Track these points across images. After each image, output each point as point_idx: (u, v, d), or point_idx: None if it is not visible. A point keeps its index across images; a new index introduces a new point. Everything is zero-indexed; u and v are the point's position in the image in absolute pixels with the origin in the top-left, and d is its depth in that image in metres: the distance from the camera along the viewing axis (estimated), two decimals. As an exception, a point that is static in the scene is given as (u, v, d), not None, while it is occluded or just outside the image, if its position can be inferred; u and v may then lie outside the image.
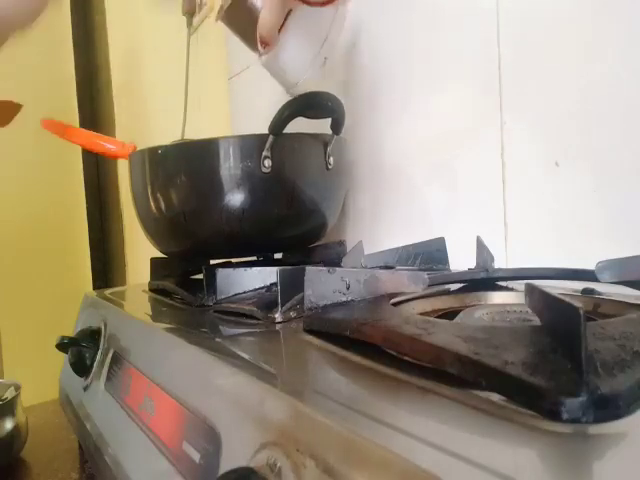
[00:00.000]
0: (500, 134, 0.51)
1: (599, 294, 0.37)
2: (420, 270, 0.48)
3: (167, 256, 0.62)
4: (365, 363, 0.27)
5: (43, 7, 0.43)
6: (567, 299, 0.21)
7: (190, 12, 1.12)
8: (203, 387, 0.30)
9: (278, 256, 0.61)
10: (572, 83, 0.45)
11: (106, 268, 1.81)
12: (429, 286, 0.37)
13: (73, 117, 1.56)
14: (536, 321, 0.27)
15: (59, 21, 1.71)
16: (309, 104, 0.51)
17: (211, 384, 0.30)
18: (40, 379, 0.94)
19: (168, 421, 0.33)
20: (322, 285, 0.34)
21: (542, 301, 0.25)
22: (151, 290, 0.62)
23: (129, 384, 0.41)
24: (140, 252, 1.47)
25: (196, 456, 0.28)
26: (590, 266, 0.35)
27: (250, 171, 0.50)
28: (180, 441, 0.30)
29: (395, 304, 0.36)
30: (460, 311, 0.34)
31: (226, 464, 0.25)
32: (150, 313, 0.54)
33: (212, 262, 0.59)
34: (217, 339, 0.38)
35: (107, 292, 0.64)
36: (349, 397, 0.24)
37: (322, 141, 0.55)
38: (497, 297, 0.40)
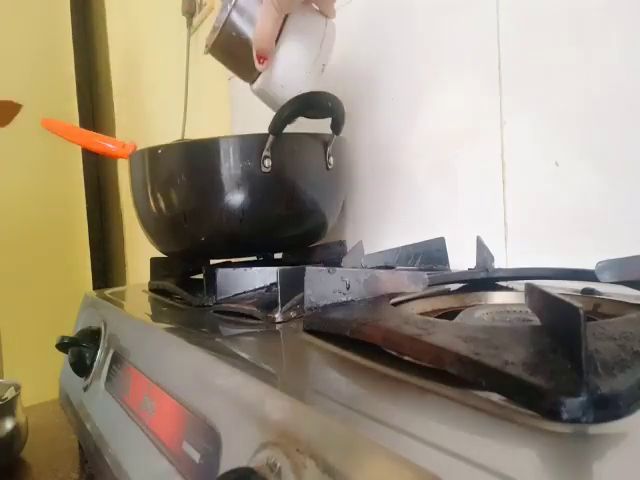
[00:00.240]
0: (500, 134, 0.51)
1: (599, 294, 0.37)
2: (420, 270, 0.48)
3: (167, 256, 0.62)
4: (365, 363, 0.27)
5: None
6: (567, 299, 0.21)
7: (190, 12, 1.12)
8: (203, 387, 0.30)
9: (278, 256, 0.61)
10: (572, 83, 0.45)
11: (106, 268, 1.81)
12: (429, 286, 0.37)
13: (73, 117, 1.56)
14: (536, 321, 0.27)
15: (59, 21, 1.71)
16: (309, 104, 0.51)
17: (211, 384, 0.30)
18: (40, 379, 0.94)
19: (168, 421, 0.33)
20: (322, 285, 0.34)
21: (542, 301, 0.25)
22: (151, 290, 0.62)
23: (129, 384, 0.41)
24: (140, 252, 1.47)
25: (196, 456, 0.28)
26: (590, 266, 0.35)
27: (250, 171, 0.50)
28: (180, 441, 0.30)
29: (395, 304, 0.36)
30: (460, 311, 0.34)
31: (226, 464, 0.25)
32: (150, 313, 0.54)
33: (212, 262, 0.59)
34: (217, 339, 0.38)
35: (107, 292, 0.64)
36: (349, 397, 0.24)
37: (322, 141, 0.55)
38: (497, 297, 0.40)
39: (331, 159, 0.55)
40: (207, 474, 0.26)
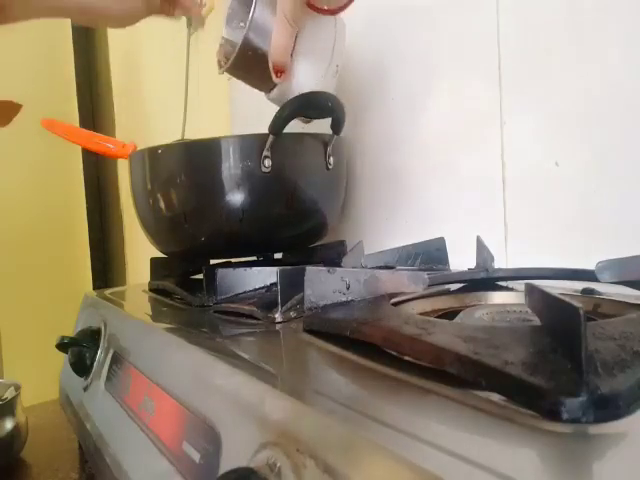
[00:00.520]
0: (500, 134, 0.51)
1: (599, 294, 0.37)
2: (420, 270, 0.48)
3: (167, 256, 0.62)
4: (365, 363, 0.27)
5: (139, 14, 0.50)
6: (567, 299, 0.21)
7: (190, 12, 1.12)
8: (203, 387, 0.30)
9: (278, 256, 0.61)
10: (572, 83, 0.45)
11: (106, 268, 1.81)
12: (429, 286, 0.37)
13: (73, 117, 1.56)
14: (536, 321, 0.27)
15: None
16: (309, 104, 0.51)
17: (211, 384, 0.30)
18: (40, 379, 0.94)
19: (168, 421, 0.33)
20: (322, 285, 0.34)
21: (542, 301, 0.25)
22: (151, 290, 0.62)
23: (129, 384, 0.41)
24: (140, 252, 1.47)
25: (196, 456, 0.28)
26: (590, 266, 0.35)
27: (250, 171, 0.50)
28: (180, 441, 0.30)
29: (395, 304, 0.36)
30: (460, 311, 0.34)
31: (226, 464, 0.25)
32: (150, 313, 0.54)
33: (212, 262, 0.59)
34: (217, 339, 0.38)
35: (107, 292, 0.64)
36: (349, 397, 0.24)
37: (322, 141, 0.55)
38: (497, 297, 0.40)
39: (331, 159, 0.55)
40: (207, 474, 0.26)
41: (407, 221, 0.63)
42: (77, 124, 1.65)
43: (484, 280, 0.44)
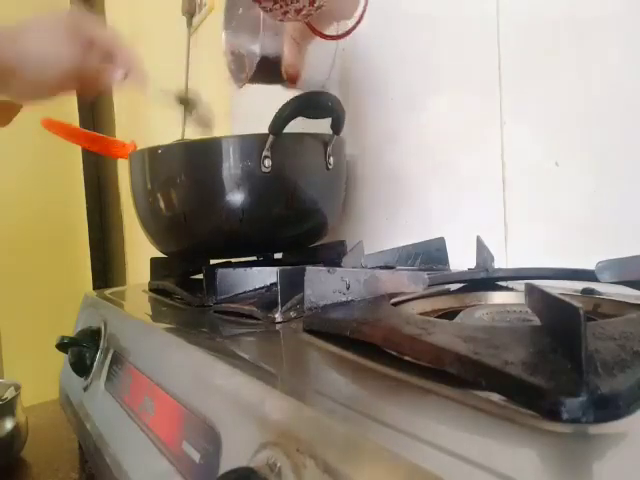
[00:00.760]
0: (500, 134, 0.51)
1: (599, 294, 0.37)
2: (420, 270, 0.48)
3: (167, 256, 0.62)
4: (365, 363, 0.27)
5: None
6: (567, 299, 0.21)
7: (190, 12, 1.12)
8: (203, 387, 0.30)
9: (278, 256, 0.61)
10: (572, 83, 0.45)
11: (106, 268, 1.81)
12: (429, 286, 0.37)
13: (73, 117, 1.56)
14: (536, 321, 0.27)
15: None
16: (309, 104, 0.51)
17: (211, 384, 0.30)
18: (40, 379, 0.94)
19: (168, 421, 0.33)
20: (322, 285, 0.34)
21: (542, 301, 0.25)
22: (151, 290, 0.62)
23: (129, 384, 0.41)
24: (140, 252, 1.47)
25: (196, 456, 0.28)
26: (590, 266, 0.35)
27: (250, 171, 0.50)
28: (180, 441, 0.30)
29: (395, 304, 0.36)
30: (460, 311, 0.34)
31: (226, 464, 0.25)
32: (150, 313, 0.54)
33: (212, 262, 0.59)
34: (217, 339, 0.38)
35: (107, 292, 0.64)
36: (349, 397, 0.24)
37: (322, 141, 0.55)
38: (497, 297, 0.40)
39: (331, 159, 0.55)
40: (207, 474, 0.26)
41: (407, 221, 0.63)
42: (77, 124, 1.65)
43: (484, 280, 0.44)
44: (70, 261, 1.69)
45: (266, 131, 0.49)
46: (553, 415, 0.18)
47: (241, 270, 0.48)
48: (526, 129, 0.49)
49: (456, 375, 0.22)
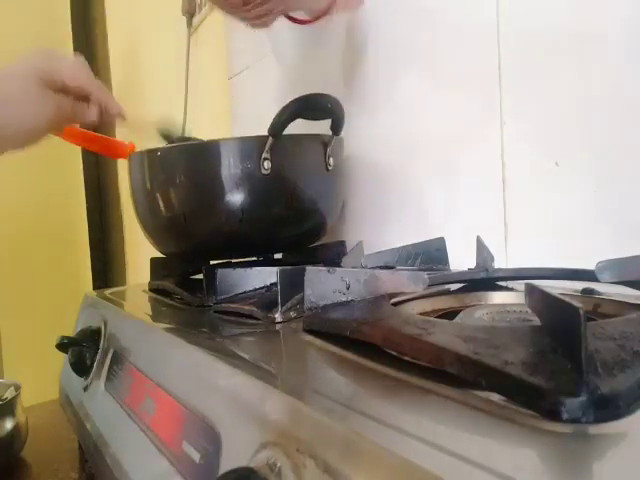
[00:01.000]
0: (500, 134, 0.51)
1: (599, 294, 0.37)
2: (420, 270, 0.48)
3: (167, 256, 0.62)
4: (365, 363, 0.27)
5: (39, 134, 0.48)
6: (567, 299, 0.21)
7: (190, 12, 1.12)
8: (203, 387, 0.30)
9: (278, 256, 0.61)
10: (572, 83, 0.45)
11: (106, 268, 1.81)
12: (429, 286, 0.37)
13: (73, 117, 1.56)
14: (536, 321, 0.27)
15: (59, 21, 1.71)
16: (309, 106, 0.51)
17: (211, 384, 0.30)
18: (40, 379, 0.94)
19: (168, 421, 0.33)
20: (322, 285, 0.34)
21: (542, 301, 0.25)
22: (151, 290, 0.62)
23: (129, 384, 0.41)
24: (140, 252, 1.47)
25: (196, 456, 0.28)
26: (590, 266, 0.35)
27: (250, 173, 0.50)
28: (180, 441, 0.30)
29: (395, 304, 0.36)
30: (460, 311, 0.34)
31: (226, 464, 0.25)
32: (150, 313, 0.54)
33: (212, 262, 0.59)
34: (217, 339, 0.38)
35: (107, 292, 0.64)
36: (349, 397, 0.24)
37: (322, 142, 0.55)
38: (497, 297, 0.40)
39: (331, 160, 0.55)
40: (207, 474, 0.26)
41: (407, 221, 0.63)
42: (77, 124, 1.64)
43: (484, 280, 0.44)
44: (70, 261, 1.69)
45: (266, 131, 0.49)
46: (553, 415, 0.18)
47: (241, 270, 0.48)
48: (526, 129, 0.49)
49: (456, 375, 0.22)
